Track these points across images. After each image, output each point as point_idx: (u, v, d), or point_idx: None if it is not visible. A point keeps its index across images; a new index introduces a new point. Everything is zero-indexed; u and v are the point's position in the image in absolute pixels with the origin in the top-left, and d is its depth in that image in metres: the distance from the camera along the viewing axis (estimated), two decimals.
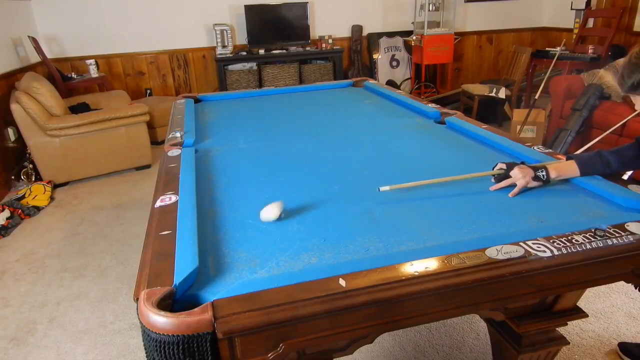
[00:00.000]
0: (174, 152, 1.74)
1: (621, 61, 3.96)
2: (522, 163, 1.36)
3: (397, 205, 1.28)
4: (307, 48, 5.54)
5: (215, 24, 5.22)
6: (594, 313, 2.03)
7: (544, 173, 1.31)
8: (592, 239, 1.01)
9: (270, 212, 1.20)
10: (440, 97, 5.21)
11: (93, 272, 2.57)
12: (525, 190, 1.31)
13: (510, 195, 1.30)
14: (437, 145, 1.79)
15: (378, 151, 1.77)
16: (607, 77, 3.65)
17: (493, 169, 1.38)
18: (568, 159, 1.39)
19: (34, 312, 2.26)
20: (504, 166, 1.36)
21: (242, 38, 5.44)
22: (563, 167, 1.34)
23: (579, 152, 3.27)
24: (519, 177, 1.30)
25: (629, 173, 2.55)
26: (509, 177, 1.33)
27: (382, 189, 1.31)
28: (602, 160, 1.33)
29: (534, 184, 1.31)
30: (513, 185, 1.31)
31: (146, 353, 0.82)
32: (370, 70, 5.91)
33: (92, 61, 4.83)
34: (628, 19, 4.70)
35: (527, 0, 6.02)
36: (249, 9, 5.21)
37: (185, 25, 5.31)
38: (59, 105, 3.74)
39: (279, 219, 1.21)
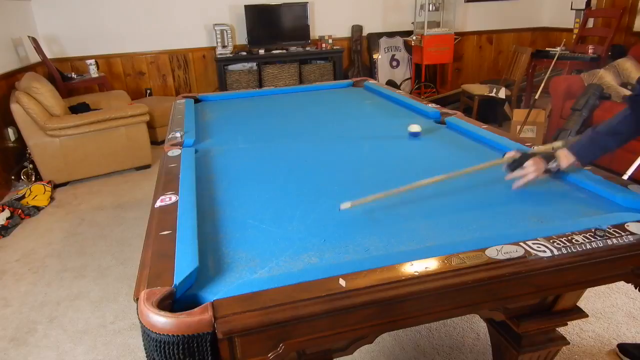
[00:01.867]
0: (174, 152, 1.74)
1: (621, 61, 3.96)
2: (532, 153, 1.34)
3: (397, 205, 1.28)
4: (307, 48, 5.54)
5: (215, 24, 5.22)
6: (594, 313, 2.03)
7: (555, 164, 1.29)
8: (592, 239, 1.00)
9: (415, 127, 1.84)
10: (440, 97, 5.20)
11: (93, 272, 2.57)
12: (526, 189, 1.31)
13: (514, 187, 1.30)
14: (437, 145, 1.79)
15: (378, 151, 1.77)
16: (607, 77, 3.64)
17: (503, 157, 1.37)
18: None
19: (34, 312, 2.26)
20: (515, 155, 1.34)
21: (242, 38, 5.44)
22: (569, 157, 1.31)
23: None
24: (532, 169, 1.29)
25: (629, 173, 2.55)
26: (522, 167, 1.31)
27: (343, 206, 1.20)
28: (600, 146, 1.30)
29: (544, 176, 1.30)
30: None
31: (146, 353, 0.82)
32: (370, 70, 5.91)
33: (92, 61, 4.83)
34: (628, 19, 4.70)
35: (527, 0, 6.02)
36: (249, 9, 5.21)
37: (185, 25, 5.31)
38: (59, 105, 3.74)
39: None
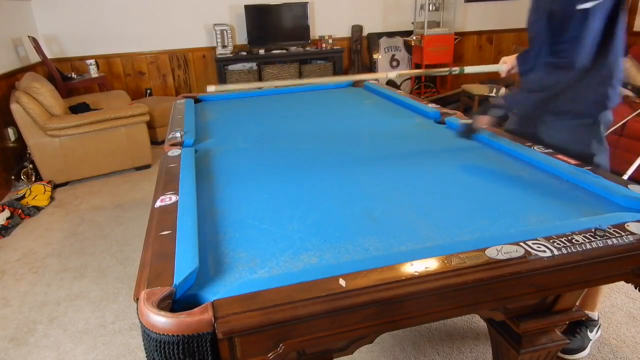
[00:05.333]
0: (174, 152, 1.74)
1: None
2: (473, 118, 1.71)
3: (397, 205, 1.28)
4: (307, 48, 5.54)
5: (215, 24, 5.22)
6: None
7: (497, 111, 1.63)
8: (592, 239, 1.00)
9: None
10: (440, 97, 5.20)
11: (93, 272, 2.57)
12: (526, 189, 1.31)
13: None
14: (437, 145, 1.79)
15: (378, 151, 1.77)
16: None
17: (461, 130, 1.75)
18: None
19: (34, 312, 2.26)
20: (465, 124, 1.72)
21: (242, 38, 5.44)
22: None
23: None
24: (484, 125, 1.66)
25: (629, 173, 2.55)
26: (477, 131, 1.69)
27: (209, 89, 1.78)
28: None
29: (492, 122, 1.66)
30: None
31: (146, 353, 0.82)
32: (370, 70, 5.91)
33: (92, 61, 4.84)
34: (628, 19, 4.70)
35: (527, 0, 6.01)
36: (249, 9, 5.21)
37: (185, 25, 5.31)
38: (59, 105, 3.74)
39: None
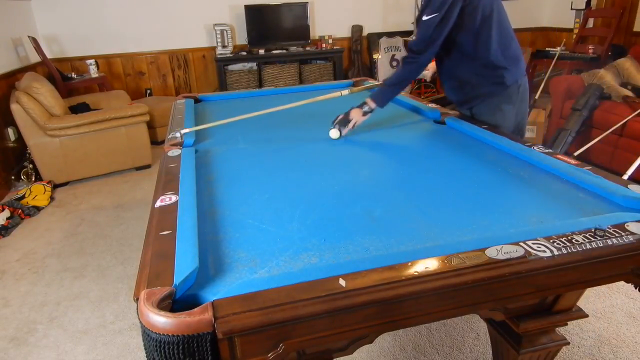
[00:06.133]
0: (174, 152, 1.74)
1: (621, 61, 3.97)
2: (350, 108, 1.91)
3: (397, 205, 1.28)
4: (307, 48, 5.54)
5: (215, 24, 5.22)
6: (594, 313, 2.03)
7: (367, 107, 1.89)
8: (592, 239, 1.00)
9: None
10: (440, 97, 5.20)
11: (93, 272, 2.57)
12: (526, 189, 1.31)
13: (344, 133, 1.89)
14: (437, 145, 1.79)
15: (378, 151, 1.77)
16: (607, 77, 3.65)
17: (334, 124, 1.91)
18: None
19: (34, 312, 2.26)
20: (340, 115, 1.91)
21: (242, 38, 5.44)
22: (371, 102, 1.90)
23: (579, 152, 3.27)
24: (355, 116, 1.88)
25: (629, 173, 2.54)
26: (348, 119, 1.88)
27: (183, 131, 1.89)
28: (389, 93, 1.91)
29: (365, 118, 1.90)
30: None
31: (146, 353, 0.82)
32: (370, 70, 5.91)
33: (92, 61, 4.83)
34: (628, 19, 4.70)
35: (527, 0, 6.02)
36: (249, 9, 5.21)
37: (185, 25, 5.31)
38: (59, 105, 3.74)
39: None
